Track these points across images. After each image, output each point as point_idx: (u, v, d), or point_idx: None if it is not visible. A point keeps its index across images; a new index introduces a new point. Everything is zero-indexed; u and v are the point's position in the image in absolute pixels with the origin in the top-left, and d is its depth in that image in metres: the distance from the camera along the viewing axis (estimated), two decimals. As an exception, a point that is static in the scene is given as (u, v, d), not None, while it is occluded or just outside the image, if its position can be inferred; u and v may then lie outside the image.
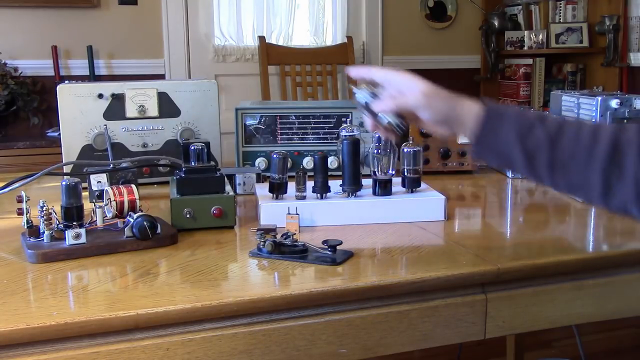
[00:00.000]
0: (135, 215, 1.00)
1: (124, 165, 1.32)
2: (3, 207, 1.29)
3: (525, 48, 3.91)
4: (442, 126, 0.92)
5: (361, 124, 1.52)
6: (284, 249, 0.96)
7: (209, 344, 0.80)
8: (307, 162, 1.50)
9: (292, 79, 3.58)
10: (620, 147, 0.81)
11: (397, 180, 1.21)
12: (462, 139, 1.55)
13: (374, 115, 0.95)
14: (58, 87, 1.42)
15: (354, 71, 0.98)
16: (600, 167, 0.82)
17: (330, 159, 1.47)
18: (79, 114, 1.43)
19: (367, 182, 1.20)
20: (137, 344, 0.78)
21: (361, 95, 0.95)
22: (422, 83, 0.92)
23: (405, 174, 1.20)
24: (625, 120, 1.49)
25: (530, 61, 3.94)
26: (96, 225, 1.03)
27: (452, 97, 0.91)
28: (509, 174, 1.53)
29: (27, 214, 1.00)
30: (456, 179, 1.53)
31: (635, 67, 3.69)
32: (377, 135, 1.18)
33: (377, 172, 1.18)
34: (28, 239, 0.99)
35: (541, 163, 0.85)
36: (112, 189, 1.04)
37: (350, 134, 1.17)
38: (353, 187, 1.17)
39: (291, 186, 1.16)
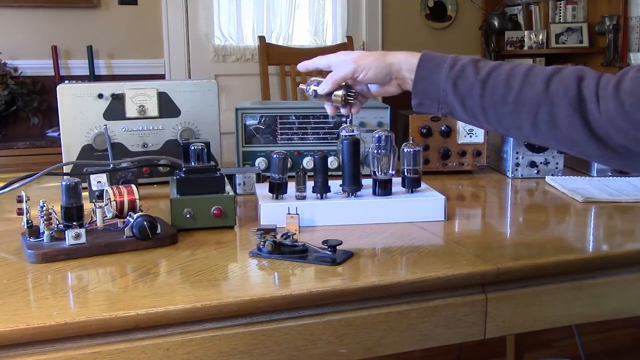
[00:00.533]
0: (135, 215, 1.00)
1: (124, 165, 1.32)
2: (3, 207, 1.29)
3: (525, 48, 3.91)
4: (387, 85, 0.98)
5: (361, 124, 1.52)
6: (284, 249, 0.96)
7: (209, 344, 0.80)
8: (307, 162, 1.50)
9: (292, 79, 3.57)
10: (553, 96, 0.83)
11: (397, 180, 1.21)
12: (462, 139, 1.55)
13: (326, 98, 1.04)
14: (58, 87, 1.42)
15: (302, 66, 1.05)
16: (531, 114, 0.84)
17: (330, 159, 1.47)
18: (79, 114, 1.43)
19: (367, 182, 1.20)
20: (137, 344, 0.78)
21: (307, 87, 1.05)
22: (354, 52, 1.01)
23: (405, 174, 1.20)
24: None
25: (530, 61, 3.94)
26: (96, 225, 1.03)
27: (384, 53, 0.96)
28: (509, 174, 1.53)
29: (27, 214, 1.00)
30: (456, 179, 1.53)
31: (635, 67, 3.68)
32: (377, 135, 1.18)
33: (377, 172, 1.18)
34: (28, 239, 0.99)
35: (474, 106, 0.88)
36: (112, 189, 1.04)
37: (350, 134, 1.17)
38: (353, 187, 1.17)
39: (291, 186, 1.16)
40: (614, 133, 0.80)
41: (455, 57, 0.92)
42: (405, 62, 0.94)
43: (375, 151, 1.18)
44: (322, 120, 1.53)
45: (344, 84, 1.03)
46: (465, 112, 0.90)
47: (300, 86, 1.08)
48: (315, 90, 1.04)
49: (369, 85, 1.03)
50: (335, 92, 1.03)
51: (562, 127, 0.83)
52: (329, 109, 1.07)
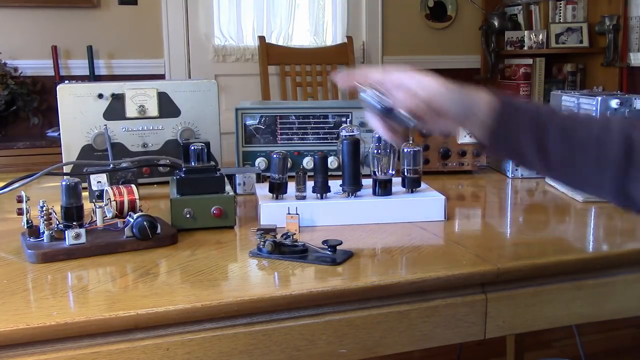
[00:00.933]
0: (135, 215, 1.00)
1: (124, 165, 1.32)
2: (3, 207, 1.29)
3: (525, 48, 3.91)
4: (454, 121, 0.89)
5: (361, 124, 1.52)
6: (284, 249, 0.96)
7: (209, 344, 0.80)
8: (307, 162, 1.50)
9: (292, 79, 3.58)
10: (636, 151, 0.79)
11: (397, 180, 1.21)
12: (462, 139, 1.55)
13: (385, 115, 0.90)
14: (58, 87, 1.42)
15: (344, 79, 0.93)
16: (613, 170, 0.80)
17: (330, 159, 1.47)
18: (79, 114, 1.43)
19: (367, 182, 1.20)
20: (137, 344, 0.78)
21: (370, 95, 0.90)
22: (434, 77, 0.90)
23: (405, 174, 1.20)
24: (625, 120, 1.49)
25: (530, 61, 3.94)
26: (96, 225, 1.03)
27: (467, 89, 0.89)
28: (509, 174, 1.53)
29: (27, 214, 1.00)
30: (456, 179, 1.53)
31: (635, 67, 3.69)
32: (377, 135, 1.18)
33: (377, 172, 1.18)
34: (28, 239, 0.99)
35: (553, 160, 0.84)
36: (112, 189, 1.04)
37: (350, 134, 1.17)
38: (353, 187, 1.17)
39: (291, 186, 1.16)
40: None
41: (532, 104, 0.88)
42: (486, 102, 0.87)
43: (375, 151, 1.18)
44: (322, 120, 1.53)
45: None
46: (543, 165, 0.86)
47: (357, 87, 0.90)
48: (381, 103, 0.88)
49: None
50: (408, 117, 0.88)
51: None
52: (383, 130, 0.92)
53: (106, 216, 1.04)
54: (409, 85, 0.88)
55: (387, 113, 0.89)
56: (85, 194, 1.10)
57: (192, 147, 1.13)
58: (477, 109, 0.87)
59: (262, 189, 1.20)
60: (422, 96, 0.87)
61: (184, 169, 1.11)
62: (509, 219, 1.22)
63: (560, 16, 3.94)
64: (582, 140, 0.82)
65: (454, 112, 0.88)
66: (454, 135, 0.93)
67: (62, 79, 3.30)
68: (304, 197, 1.15)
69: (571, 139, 0.83)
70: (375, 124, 0.92)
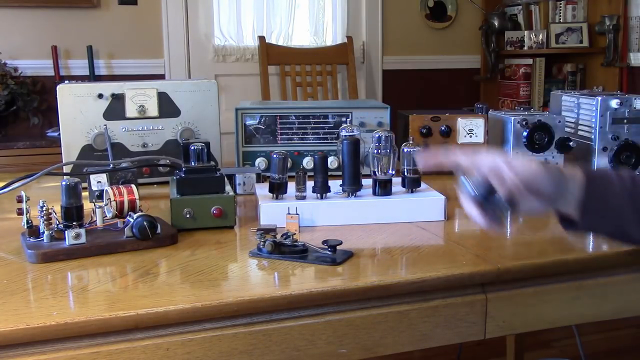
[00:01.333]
0: (135, 215, 1.00)
1: (124, 165, 1.32)
2: (3, 207, 1.29)
3: (525, 48, 3.91)
4: (549, 201, 0.87)
5: (361, 124, 1.52)
6: (284, 249, 0.96)
7: (209, 344, 0.80)
8: (307, 162, 1.50)
9: (292, 79, 3.58)
10: None
11: (397, 180, 1.21)
12: (462, 139, 1.55)
13: (483, 201, 0.87)
14: (58, 87, 1.42)
15: (428, 160, 0.90)
16: None
17: (330, 159, 1.47)
18: (79, 114, 1.43)
19: (367, 182, 1.20)
20: (137, 344, 0.78)
21: (468, 181, 0.88)
22: (526, 159, 0.88)
23: (405, 174, 1.20)
24: (625, 120, 1.49)
25: (530, 61, 3.94)
26: (96, 225, 1.03)
27: (560, 168, 0.87)
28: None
29: (27, 214, 1.00)
30: (456, 179, 1.53)
31: (635, 67, 3.69)
32: (377, 135, 1.18)
33: (377, 172, 1.18)
34: (28, 239, 0.99)
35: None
36: (112, 189, 1.04)
37: (350, 134, 1.17)
38: (353, 187, 1.17)
39: (291, 186, 1.16)
40: None
41: (616, 173, 0.87)
42: (574, 178, 0.86)
43: (375, 151, 1.18)
44: (322, 120, 1.53)
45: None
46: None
47: (460, 177, 0.89)
48: (485, 191, 0.85)
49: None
50: (506, 206, 0.87)
51: None
52: (484, 220, 0.88)
53: (106, 216, 1.04)
54: (505, 168, 0.86)
55: (486, 199, 0.87)
56: (85, 194, 1.10)
57: (192, 147, 1.13)
58: (571, 185, 0.85)
59: (262, 189, 1.20)
60: (521, 178, 0.85)
61: (184, 169, 1.11)
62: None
63: (560, 16, 3.94)
64: None
65: (550, 192, 0.86)
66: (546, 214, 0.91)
67: (62, 79, 3.30)
68: (304, 197, 1.15)
69: None
70: (470, 209, 0.90)
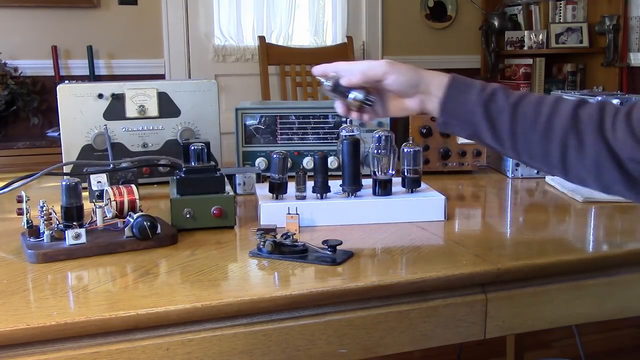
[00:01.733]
0: (135, 215, 1.00)
1: (124, 165, 1.32)
2: (3, 207, 1.29)
3: (525, 48, 3.91)
4: (410, 96, 0.94)
5: (361, 124, 1.52)
6: (284, 249, 0.96)
7: (209, 344, 0.80)
8: (307, 162, 1.50)
9: (292, 79, 3.58)
10: (580, 122, 0.84)
11: (397, 180, 1.21)
12: (462, 139, 1.55)
13: (343, 96, 0.97)
14: (58, 87, 1.42)
15: (318, 69, 1.00)
16: (560, 140, 0.85)
17: (330, 159, 1.47)
18: (79, 114, 1.43)
19: (367, 182, 1.20)
20: (137, 344, 0.78)
21: (328, 81, 0.97)
22: (386, 60, 0.95)
23: (405, 174, 1.20)
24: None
25: (530, 61, 3.94)
26: (96, 225, 1.03)
27: (416, 67, 0.94)
28: (509, 174, 1.53)
29: (27, 214, 1.00)
30: (456, 179, 1.53)
31: (635, 67, 3.69)
32: (377, 135, 1.18)
33: (377, 172, 1.18)
34: (28, 239, 0.99)
35: (503, 130, 0.88)
36: (112, 189, 1.04)
37: (350, 134, 1.17)
38: (353, 187, 1.17)
39: (291, 186, 1.16)
40: (628, 161, 0.82)
41: (484, 82, 0.92)
42: (437, 78, 0.93)
43: (375, 151, 1.18)
44: (322, 120, 1.53)
45: (364, 87, 0.97)
46: (493, 136, 0.89)
47: (319, 79, 1.00)
48: (337, 81, 0.96)
49: (387, 100, 0.99)
50: (356, 93, 0.96)
51: (589, 153, 0.84)
52: (340, 107, 1.00)
53: (106, 216, 1.04)
54: (358, 66, 0.95)
55: (335, 91, 0.97)
56: (85, 194, 1.10)
57: (192, 147, 1.13)
58: (428, 84, 0.92)
59: (262, 189, 1.20)
60: (363, 73, 0.94)
61: (184, 169, 1.11)
62: (509, 219, 1.22)
63: (560, 16, 3.94)
64: (532, 116, 0.87)
65: (402, 88, 0.94)
66: (411, 114, 0.98)
67: (62, 79, 3.30)
68: (304, 197, 1.15)
69: (522, 115, 0.87)
70: (337, 105, 1.00)
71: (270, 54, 3.53)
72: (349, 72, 0.95)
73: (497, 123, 0.88)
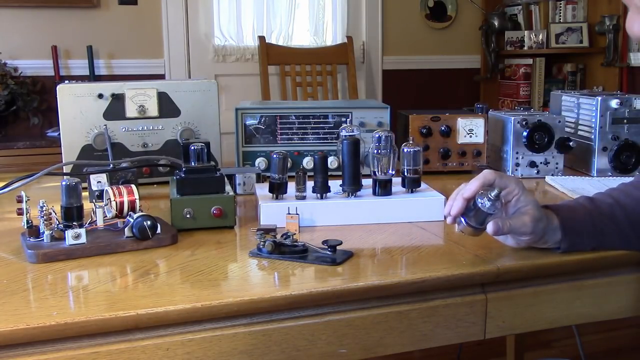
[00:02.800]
0: (135, 215, 1.00)
1: (124, 165, 1.32)
2: (3, 207, 1.29)
3: (525, 48, 3.91)
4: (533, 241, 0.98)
5: (361, 124, 1.52)
6: (284, 249, 0.96)
7: (209, 344, 0.80)
8: (307, 162, 1.50)
9: (292, 79, 3.58)
10: None
11: (397, 180, 1.21)
12: (462, 139, 1.55)
13: (474, 224, 0.94)
14: (58, 87, 1.42)
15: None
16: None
17: (330, 159, 1.47)
18: (79, 114, 1.43)
19: (367, 182, 1.20)
20: (137, 344, 0.78)
21: (483, 204, 0.93)
22: (534, 207, 0.95)
23: (405, 174, 1.20)
24: (625, 120, 1.49)
25: (530, 61, 3.94)
26: (96, 225, 1.03)
27: (545, 219, 0.96)
28: (509, 174, 1.53)
29: (27, 214, 1.00)
30: (456, 179, 1.53)
31: (635, 67, 3.69)
32: (377, 135, 1.18)
33: (377, 172, 1.18)
34: (28, 239, 0.99)
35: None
36: (112, 189, 1.04)
37: (350, 134, 1.17)
38: (353, 187, 1.17)
39: (291, 186, 1.16)
40: None
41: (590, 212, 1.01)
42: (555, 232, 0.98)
43: (375, 151, 1.18)
44: (322, 120, 1.53)
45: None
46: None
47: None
48: (487, 214, 0.93)
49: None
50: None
51: None
52: (459, 227, 0.97)
53: (106, 216, 1.04)
54: (515, 203, 0.97)
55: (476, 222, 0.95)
56: (85, 194, 1.10)
57: (192, 147, 1.13)
58: (550, 237, 0.97)
59: (262, 189, 1.20)
60: (514, 226, 0.94)
61: (184, 169, 1.11)
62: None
63: (560, 16, 3.94)
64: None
65: (533, 240, 0.97)
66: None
67: (62, 79, 3.30)
68: (304, 197, 1.15)
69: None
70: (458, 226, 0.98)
71: (270, 54, 3.53)
72: (498, 221, 0.93)
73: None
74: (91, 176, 1.25)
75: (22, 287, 0.85)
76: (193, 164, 1.13)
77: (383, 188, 1.18)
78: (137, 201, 1.04)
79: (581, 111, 1.57)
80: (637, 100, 1.49)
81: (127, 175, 1.28)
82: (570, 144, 1.49)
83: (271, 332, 0.83)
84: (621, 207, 1.01)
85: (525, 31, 3.91)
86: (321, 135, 1.53)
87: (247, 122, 1.52)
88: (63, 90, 1.42)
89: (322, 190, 1.16)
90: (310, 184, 1.17)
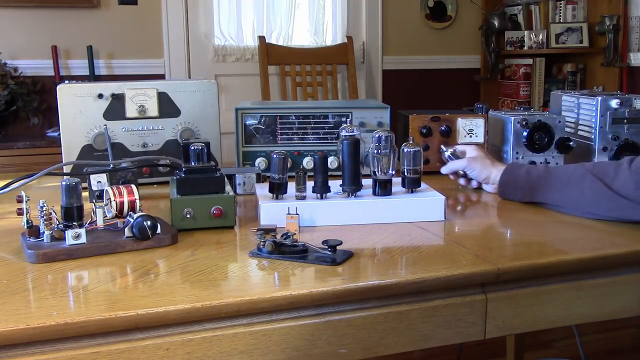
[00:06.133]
0: (135, 215, 1.00)
1: (124, 165, 1.32)
2: (3, 207, 1.29)
3: (525, 48, 3.91)
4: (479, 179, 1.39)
5: (361, 124, 1.52)
6: (284, 249, 0.96)
7: (209, 344, 0.80)
8: (307, 162, 1.50)
9: (292, 79, 3.58)
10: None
11: (397, 180, 1.21)
12: (462, 139, 1.55)
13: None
14: (58, 87, 1.42)
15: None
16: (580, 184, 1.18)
17: (330, 159, 1.47)
18: (79, 114, 1.43)
19: (367, 182, 1.20)
20: (137, 344, 0.78)
21: (445, 151, 1.50)
22: (475, 151, 1.40)
23: (405, 174, 1.20)
24: (625, 120, 1.49)
25: (530, 61, 3.94)
26: (96, 225, 1.03)
27: (489, 163, 1.36)
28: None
29: (27, 214, 1.00)
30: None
31: (635, 67, 3.69)
32: (377, 135, 1.18)
33: (377, 172, 1.18)
34: (28, 239, 0.99)
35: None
36: (112, 189, 1.04)
37: (350, 134, 1.17)
38: (353, 187, 1.17)
39: (291, 186, 1.16)
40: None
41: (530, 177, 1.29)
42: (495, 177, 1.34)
43: (375, 151, 1.18)
44: (322, 120, 1.53)
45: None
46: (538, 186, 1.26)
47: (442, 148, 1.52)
48: (450, 156, 1.48)
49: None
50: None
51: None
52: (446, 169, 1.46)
53: (106, 216, 1.04)
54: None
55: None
56: (85, 194, 1.10)
57: (192, 147, 1.13)
58: (493, 177, 1.35)
59: (262, 189, 1.20)
60: (457, 163, 1.43)
61: (184, 169, 1.11)
62: (509, 219, 1.22)
63: (560, 16, 3.94)
64: (561, 175, 1.24)
65: (477, 177, 1.39)
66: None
67: (62, 79, 3.30)
68: (304, 197, 1.15)
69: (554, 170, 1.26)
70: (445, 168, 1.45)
71: (270, 54, 3.53)
72: (450, 164, 1.45)
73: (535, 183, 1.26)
74: (91, 176, 1.25)
75: (22, 287, 0.85)
76: (193, 164, 1.13)
77: (383, 188, 1.18)
78: (137, 201, 1.04)
79: (581, 111, 1.57)
80: (637, 100, 1.49)
81: (127, 175, 1.28)
82: (570, 144, 1.49)
83: (271, 332, 0.83)
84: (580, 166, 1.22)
85: (525, 31, 3.91)
86: (321, 135, 1.53)
87: (247, 122, 1.52)
88: (63, 90, 1.42)
89: (322, 190, 1.16)
90: (310, 184, 1.17)
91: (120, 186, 1.05)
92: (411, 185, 1.20)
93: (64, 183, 1.01)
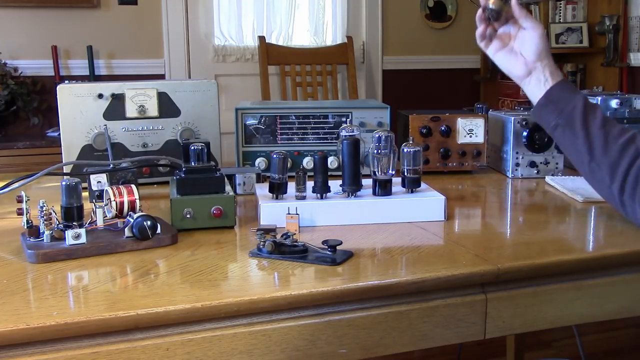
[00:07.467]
0: (135, 215, 1.00)
1: (124, 165, 1.32)
2: (3, 207, 1.29)
3: (525, 48, 3.90)
4: (520, 61, 1.15)
5: (361, 124, 1.52)
6: (284, 249, 0.96)
7: (209, 344, 0.80)
8: (307, 162, 1.50)
9: (292, 79, 3.58)
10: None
11: (397, 180, 1.21)
12: (462, 139, 1.55)
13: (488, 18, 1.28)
14: (58, 87, 1.42)
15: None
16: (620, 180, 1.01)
17: (330, 159, 1.47)
18: (79, 114, 1.43)
19: (367, 182, 1.20)
20: (137, 344, 0.78)
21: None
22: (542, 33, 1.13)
23: (405, 174, 1.20)
24: (625, 120, 1.49)
25: (530, 61, 3.93)
26: (96, 225, 1.03)
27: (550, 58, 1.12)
28: (509, 174, 1.53)
29: (27, 214, 1.00)
30: (456, 179, 1.53)
31: (635, 67, 3.69)
32: (377, 135, 1.18)
33: (377, 172, 1.18)
34: (28, 239, 0.99)
35: (593, 133, 1.03)
36: (112, 189, 1.04)
37: (350, 134, 1.17)
38: (353, 187, 1.17)
39: (291, 186, 1.16)
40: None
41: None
42: (556, 69, 1.13)
43: (375, 151, 1.18)
44: (322, 120, 1.53)
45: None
46: (577, 135, 1.04)
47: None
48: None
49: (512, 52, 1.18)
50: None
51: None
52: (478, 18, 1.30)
53: (106, 216, 1.04)
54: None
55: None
56: (85, 194, 1.10)
57: (192, 147, 1.13)
58: (548, 65, 1.11)
59: (262, 189, 1.20)
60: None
61: (184, 169, 1.11)
62: (509, 219, 1.22)
63: (560, 16, 3.94)
64: (614, 139, 1.02)
65: (533, 44, 1.13)
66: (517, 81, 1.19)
67: (62, 79, 3.30)
68: (304, 197, 1.15)
69: (608, 134, 1.02)
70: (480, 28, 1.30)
71: (270, 54, 3.53)
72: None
73: (590, 126, 1.03)
74: (91, 176, 1.25)
75: (22, 287, 0.85)
76: (193, 164, 1.13)
77: (383, 188, 1.18)
78: (137, 201, 1.04)
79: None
80: (637, 100, 1.49)
81: (127, 175, 1.28)
82: (570, 144, 1.49)
83: (271, 332, 0.83)
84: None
85: (525, 31, 3.90)
86: (321, 135, 1.53)
87: (247, 122, 1.52)
88: (63, 90, 1.42)
89: (322, 190, 1.16)
90: (310, 184, 1.17)
91: (120, 186, 1.05)
92: (411, 185, 1.20)
93: (64, 183, 1.01)
